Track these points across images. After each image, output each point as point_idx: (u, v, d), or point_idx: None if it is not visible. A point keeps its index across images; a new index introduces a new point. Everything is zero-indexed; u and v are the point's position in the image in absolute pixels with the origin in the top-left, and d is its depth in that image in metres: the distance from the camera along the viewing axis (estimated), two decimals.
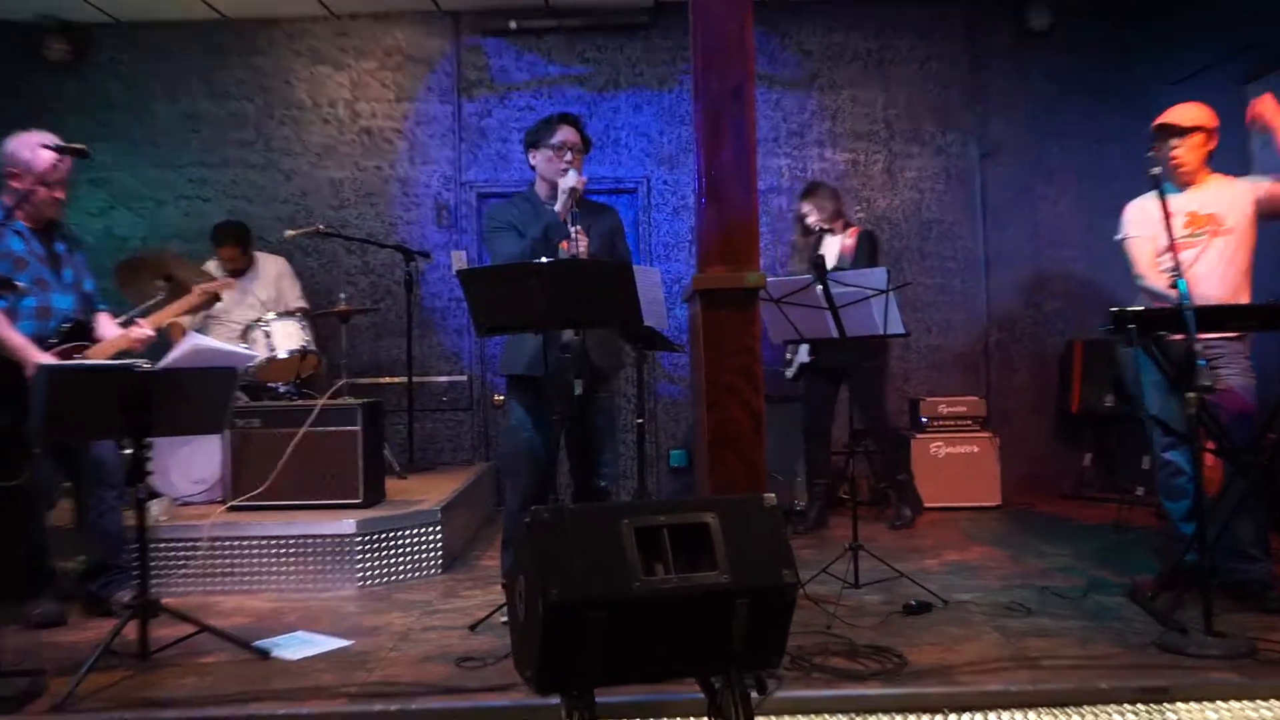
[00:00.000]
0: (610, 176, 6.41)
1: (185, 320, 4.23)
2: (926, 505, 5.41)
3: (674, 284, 6.26)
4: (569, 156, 3.58)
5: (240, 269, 5.55)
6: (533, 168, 3.71)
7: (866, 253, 5.13)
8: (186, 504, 4.74)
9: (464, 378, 6.39)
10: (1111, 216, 3.85)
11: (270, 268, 5.74)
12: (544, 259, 3.15)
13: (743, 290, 3.38)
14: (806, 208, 5.26)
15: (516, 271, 3.15)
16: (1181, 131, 3.62)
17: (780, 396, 5.75)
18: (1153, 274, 3.60)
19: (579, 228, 3.36)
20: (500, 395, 6.14)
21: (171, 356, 4.08)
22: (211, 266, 5.49)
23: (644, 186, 6.45)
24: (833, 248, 5.19)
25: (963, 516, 5.51)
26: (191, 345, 4.17)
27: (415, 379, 5.93)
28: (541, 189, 3.69)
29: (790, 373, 5.35)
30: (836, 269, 4.78)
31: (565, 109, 4.21)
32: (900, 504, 5.34)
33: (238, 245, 5.55)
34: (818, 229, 5.23)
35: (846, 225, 5.28)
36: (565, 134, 3.60)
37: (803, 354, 5.24)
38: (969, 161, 6.45)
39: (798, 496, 5.46)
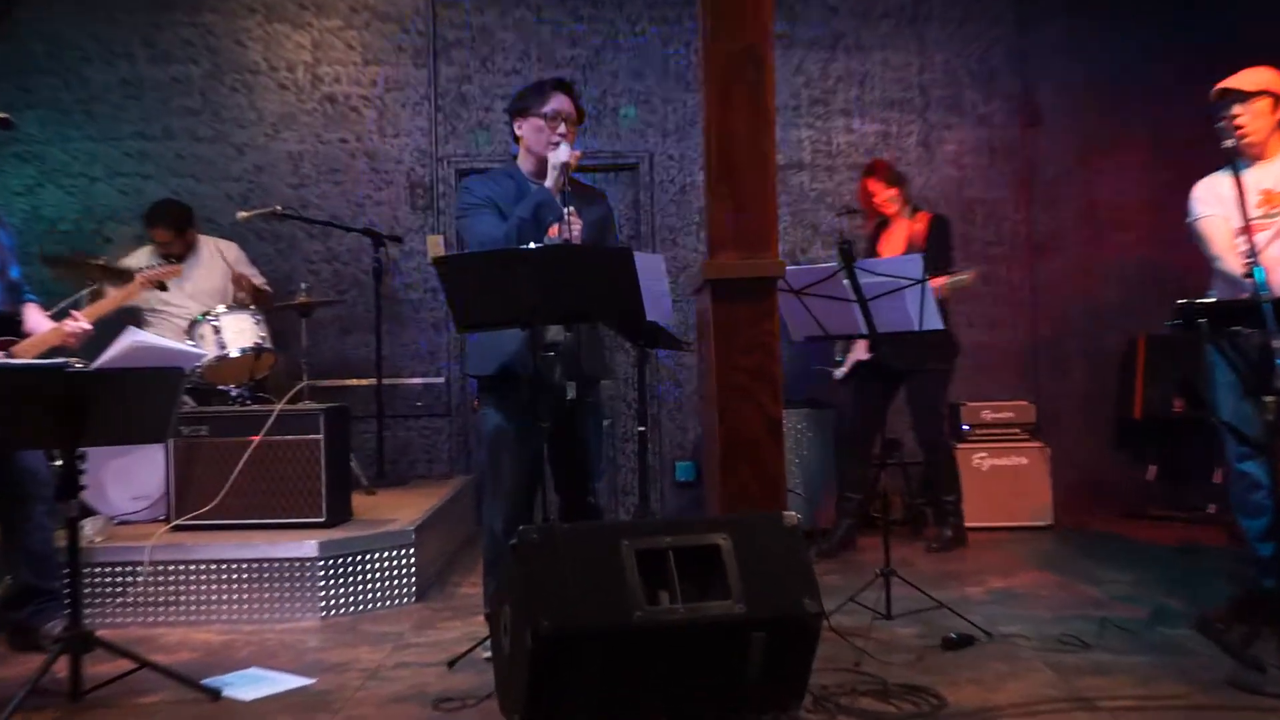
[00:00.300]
0: (607, 150, 6.41)
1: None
2: (968, 525, 5.39)
3: (680, 273, 6.26)
4: (562, 128, 3.56)
5: (178, 255, 5.53)
6: (517, 139, 3.69)
7: (942, 240, 5.14)
8: (125, 523, 4.74)
9: (441, 380, 6.39)
10: (1179, 194, 3.85)
11: (217, 253, 5.73)
12: (532, 244, 3.15)
13: (758, 280, 3.38)
14: (875, 187, 5.23)
15: (502, 258, 3.15)
16: (1244, 96, 3.62)
17: (805, 400, 5.76)
18: (1231, 255, 3.60)
19: (572, 209, 3.35)
20: None
21: (108, 355, 4.08)
22: (143, 254, 5.50)
23: (645, 162, 6.46)
24: (899, 235, 5.19)
25: (1009, 537, 5.51)
26: (131, 342, 4.18)
27: (386, 381, 5.93)
28: (525, 163, 3.68)
29: (841, 372, 5.31)
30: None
31: (556, 73, 4.21)
32: (940, 524, 5.33)
33: (172, 228, 5.54)
34: (888, 215, 5.23)
35: (914, 209, 5.29)
36: (559, 102, 3.59)
37: (859, 350, 5.21)
38: (1015, 133, 6.45)
39: (823, 517, 5.47)
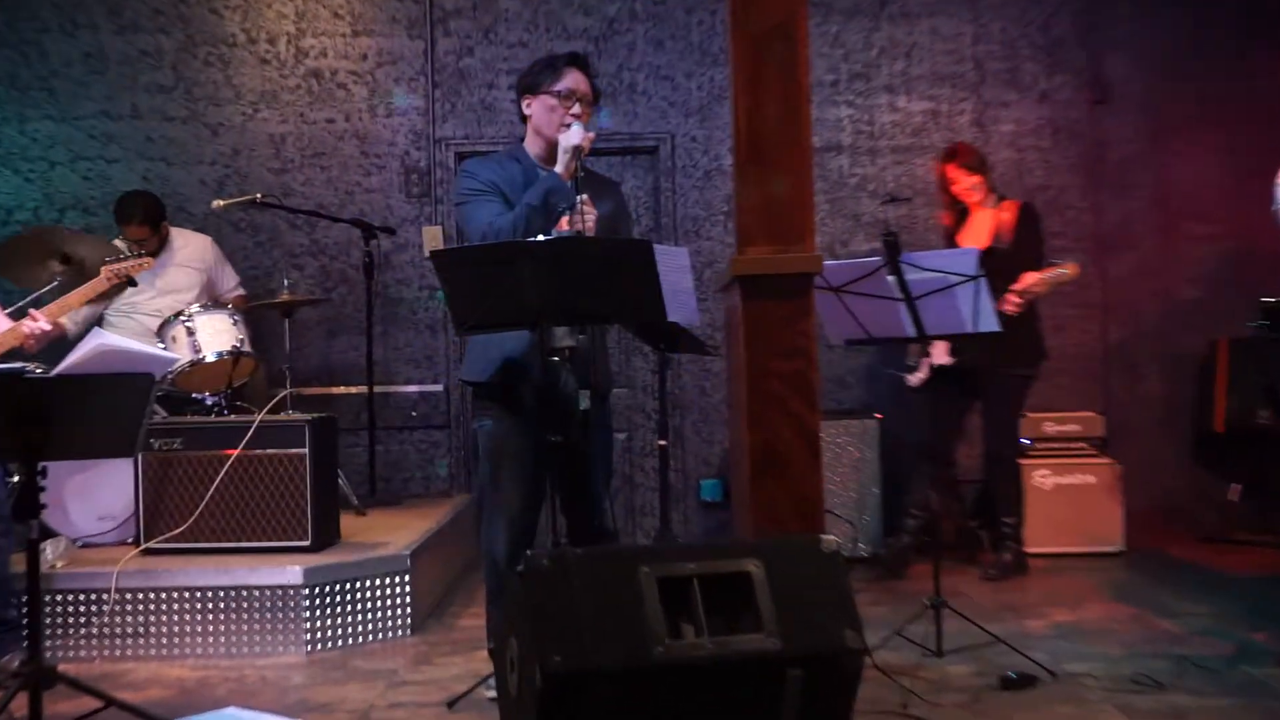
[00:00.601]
0: (623, 132, 6.42)
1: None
2: (1029, 550, 5.38)
3: (705, 268, 6.26)
4: (576, 108, 3.57)
5: (151, 251, 5.57)
6: (524, 119, 3.71)
7: (1034, 232, 5.17)
8: (89, 546, 4.78)
9: (439, 387, 6.41)
10: (1264, 179, 3.84)
11: (192, 248, 5.77)
12: (541, 236, 3.16)
13: (793, 276, 3.38)
14: (955, 174, 5.23)
15: (506, 252, 3.16)
16: None
17: (843, 410, 5.74)
18: None
19: (586, 196, 3.36)
20: None
21: (71, 359, 4.11)
22: (122, 244, 5.53)
23: (666, 144, 6.46)
24: (982, 226, 5.19)
25: (1075, 564, 5.50)
26: (96, 345, 4.19)
27: (377, 389, 5.96)
28: (533, 146, 3.69)
29: (917, 378, 5.27)
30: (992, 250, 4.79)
31: (567, 45, 4.22)
32: (998, 549, 5.32)
33: (146, 224, 5.56)
34: (969, 205, 5.23)
35: (1000, 197, 5.29)
36: (573, 80, 3.60)
37: (937, 352, 5.15)
38: (1081, 111, 6.43)
39: (865, 539, 5.46)
